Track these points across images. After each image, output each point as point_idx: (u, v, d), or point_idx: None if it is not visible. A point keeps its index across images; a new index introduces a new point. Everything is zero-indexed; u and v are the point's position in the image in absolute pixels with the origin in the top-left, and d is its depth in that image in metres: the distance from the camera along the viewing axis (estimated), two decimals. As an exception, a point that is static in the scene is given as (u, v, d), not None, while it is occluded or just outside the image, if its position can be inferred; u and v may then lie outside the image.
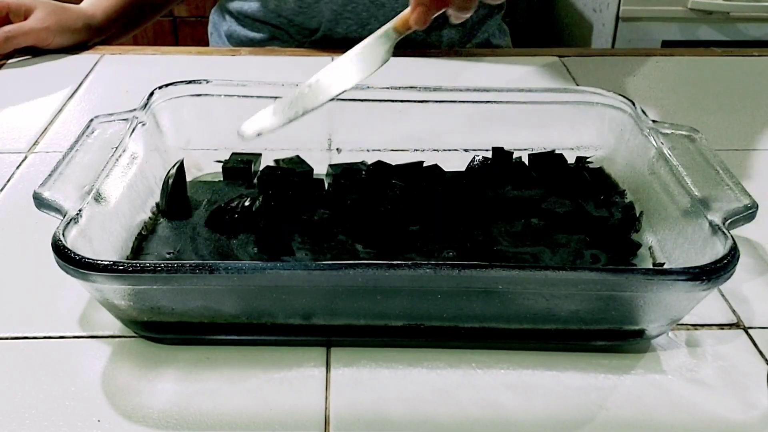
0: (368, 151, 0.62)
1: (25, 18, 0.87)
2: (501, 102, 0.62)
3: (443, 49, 0.94)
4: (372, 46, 0.53)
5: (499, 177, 0.59)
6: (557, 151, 0.61)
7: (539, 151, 0.62)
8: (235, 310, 0.44)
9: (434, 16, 0.53)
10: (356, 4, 0.93)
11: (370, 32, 0.54)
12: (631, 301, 0.44)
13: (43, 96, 0.77)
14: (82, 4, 0.94)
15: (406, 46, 0.91)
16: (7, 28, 0.85)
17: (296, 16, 0.95)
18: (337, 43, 0.94)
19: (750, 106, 0.78)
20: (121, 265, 0.41)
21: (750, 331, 0.48)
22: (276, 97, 0.61)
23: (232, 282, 0.42)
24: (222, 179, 0.61)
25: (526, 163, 0.61)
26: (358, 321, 0.45)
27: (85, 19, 0.90)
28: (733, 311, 0.49)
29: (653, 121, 0.57)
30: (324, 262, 0.42)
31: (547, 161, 0.60)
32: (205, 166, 0.63)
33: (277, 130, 0.51)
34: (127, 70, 0.87)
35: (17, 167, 0.64)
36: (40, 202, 0.46)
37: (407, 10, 0.53)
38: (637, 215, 0.55)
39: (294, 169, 0.60)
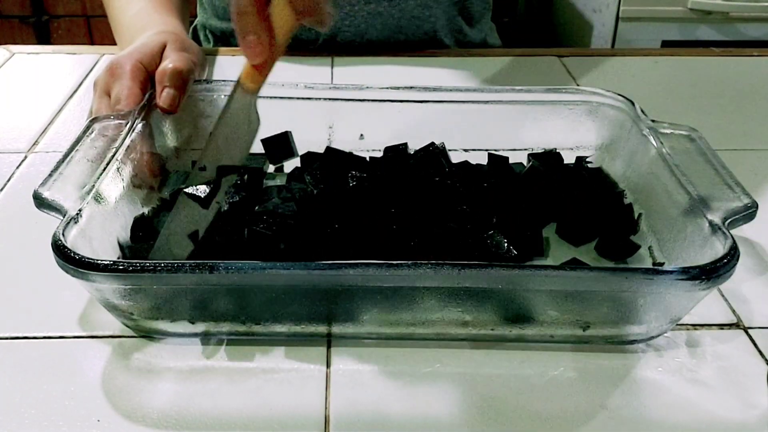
0: (368, 151, 0.62)
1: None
2: (501, 102, 0.62)
3: (443, 50, 0.94)
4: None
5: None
6: (557, 151, 0.61)
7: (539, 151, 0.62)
8: (234, 310, 0.44)
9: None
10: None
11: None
12: (631, 301, 0.44)
13: (43, 96, 0.77)
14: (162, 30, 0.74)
15: (408, 48, 0.92)
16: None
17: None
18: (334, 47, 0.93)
19: (750, 106, 0.78)
20: (121, 265, 0.41)
21: (750, 331, 0.48)
22: (276, 98, 0.62)
23: (232, 281, 0.42)
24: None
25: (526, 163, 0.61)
26: (358, 320, 0.45)
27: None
28: (733, 311, 0.49)
29: (653, 121, 0.57)
30: (324, 262, 0.41)
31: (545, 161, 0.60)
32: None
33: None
34: (127, 70, 0.86)
35: (17, 167, 0.64)
36: (40, 202, 0.46)
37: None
38: (636, 217, 0.55)
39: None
